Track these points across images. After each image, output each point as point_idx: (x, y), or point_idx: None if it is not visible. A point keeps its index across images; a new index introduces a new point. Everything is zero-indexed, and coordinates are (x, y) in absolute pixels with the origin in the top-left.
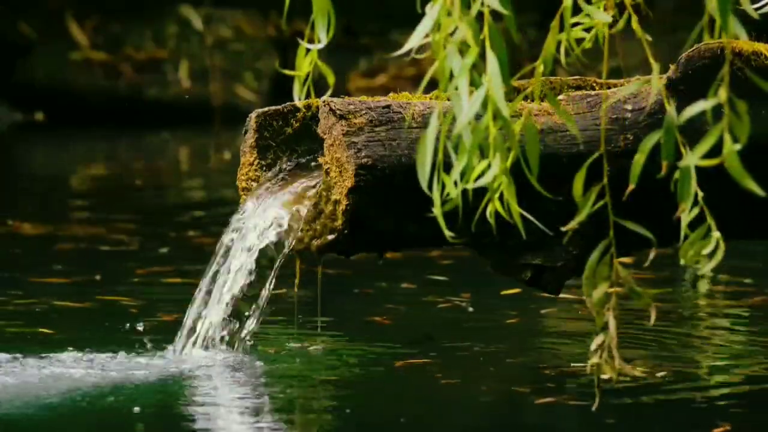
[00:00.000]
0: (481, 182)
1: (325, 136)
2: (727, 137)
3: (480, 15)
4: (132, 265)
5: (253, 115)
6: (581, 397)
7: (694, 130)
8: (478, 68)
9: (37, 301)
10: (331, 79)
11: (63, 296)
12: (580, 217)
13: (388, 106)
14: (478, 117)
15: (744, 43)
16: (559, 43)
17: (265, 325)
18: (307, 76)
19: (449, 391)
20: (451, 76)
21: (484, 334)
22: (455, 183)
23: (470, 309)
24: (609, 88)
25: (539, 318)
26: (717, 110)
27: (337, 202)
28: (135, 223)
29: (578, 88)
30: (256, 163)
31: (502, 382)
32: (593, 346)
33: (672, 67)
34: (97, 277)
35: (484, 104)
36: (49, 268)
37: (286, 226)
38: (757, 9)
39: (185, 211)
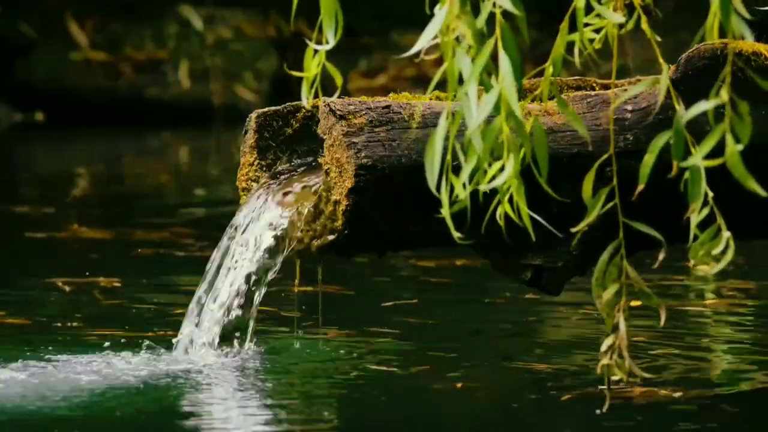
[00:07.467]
0: (495, 184)
1: (325, 137)
2: (729, 138)
3: (492, 16)
4: None
5: (253, 115)
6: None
7: (694, 131)
8: (488, 69)
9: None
10: (339, 80)
11: None
12: (590, 218)
13: (388, 107)
14: (489, 119)
15: (744, 43)
16: (570, 44)
17: (270, 326)
18: (315, 77)
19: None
20: (460, 78)
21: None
22: (464, 185)
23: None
24: (607, 88)
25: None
26: (715, 110)
27: (337, 203)
28: (182, 226)
29: (578, 88)
30: (256, 163)
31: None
32: (603, 348)
33: (672, 67)
34: None
35: (496, 106)
36: (157, 275)
37: (284, 227)
38: (762, 9)
39: (220, 213)
